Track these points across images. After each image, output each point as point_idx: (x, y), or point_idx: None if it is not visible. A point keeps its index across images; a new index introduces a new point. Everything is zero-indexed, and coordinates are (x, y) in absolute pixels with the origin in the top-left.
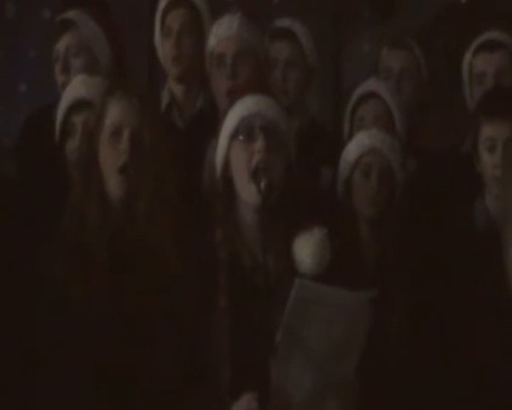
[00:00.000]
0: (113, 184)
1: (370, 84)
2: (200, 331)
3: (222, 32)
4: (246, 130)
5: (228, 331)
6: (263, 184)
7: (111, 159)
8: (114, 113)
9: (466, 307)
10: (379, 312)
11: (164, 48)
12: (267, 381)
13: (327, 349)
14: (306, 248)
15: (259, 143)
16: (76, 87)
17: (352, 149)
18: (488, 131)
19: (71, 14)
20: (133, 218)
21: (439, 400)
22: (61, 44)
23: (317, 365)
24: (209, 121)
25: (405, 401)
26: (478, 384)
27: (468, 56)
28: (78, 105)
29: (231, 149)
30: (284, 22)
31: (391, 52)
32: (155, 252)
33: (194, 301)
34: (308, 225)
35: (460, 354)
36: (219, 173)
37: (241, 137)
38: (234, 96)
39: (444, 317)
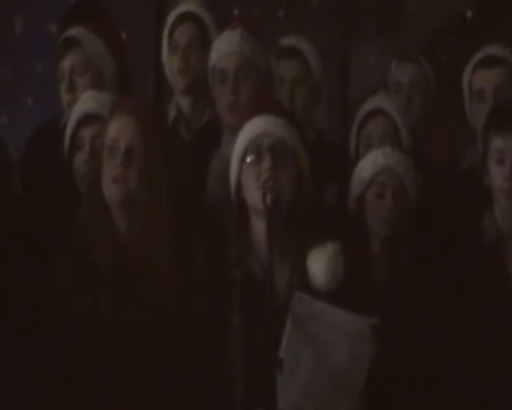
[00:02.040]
0: (109, 193)
1: (377, 101)
2: (211, 347)
3: (223, 48)
4: (254, 151)
5: (241, 348)
6: (269, 199)
7: (108, 170)
8: (113, 129)
9: (477, 322)
10: (389, 333)
11: (171, 61)
12: (274, 399)
13: (328, 372)
14: (319, 263)
15: (266, 163)
16: (85, 102)
17: (366, 168)
18: (497, 144)
19: (74, 31)
20: (131, 226)
21: None
22: (66, 63)
23: (319, 388)
24: (215, 134)
25: None
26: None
27: (467, 72)
28: (86, 119)
29: (242, 170)
30: (290, 40)
31: (400, 66)
32: (153, 261)
33: (207, 318)
34: (322, 239)
35: (472, 374)
36: (233, 195)
37: (248, 160)
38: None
39: (456, 333)
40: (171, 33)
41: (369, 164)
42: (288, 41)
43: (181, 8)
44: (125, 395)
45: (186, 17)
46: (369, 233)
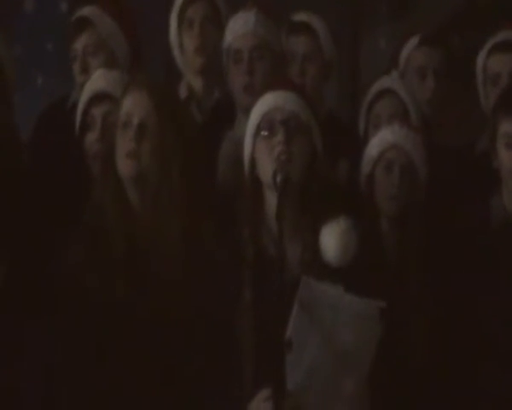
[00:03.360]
0: (123, 168)
1: (386, 81)
2: (225, 325)
3: (238, 28)
4: (267, 125)
5: (252, 326)
6: (279, 178)
7: (121, 146)
8: (126, 105)
9: (484, 305)
10: (397, 313)
11: (185, 40)
12: (283, 378)
13: (335, 354)
14: (331, 238)
15: (279, 136)
16: (96, 80)
17: (375, 145)
18: (506, 127)
19: (86, 11)
20: (143, 202)
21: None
22: (79, 44)
23: (326, 369)
24: (226, 113)
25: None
26: (499, 393)
27: (482, 57)
28: (97, 98)
29: (256, 146)
30: (302, 16)
31: (421, 49)
32: (163, 237)
33: (219, 294)
34: (334, 214)
35: (481, 357)
36: (247, 171)
37: (263, 133)
38: (253, 94)
39: (463, 314)
40: (182, 12)
41: (378, 141)
42: (299, 17)
43: None
44: (138, 373)
45: None
46: (379, 211)
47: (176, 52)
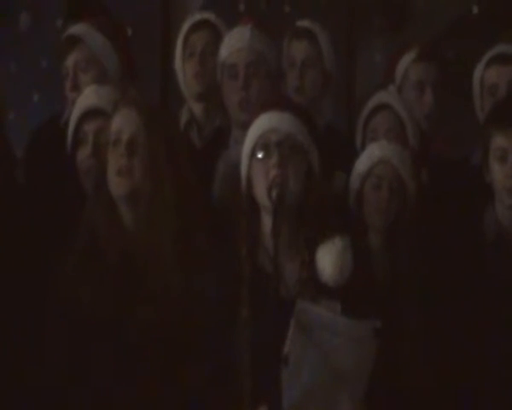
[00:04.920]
0: (114, 187)
1: (383, 96)
2: (218, 342)
3: (234, 43)
4: (262, 147)
5: (249, 342)
6: (274, 194)
7: (112, 163)
8: (116, 122)
9: (477, 320)
10: (390, 327)
11: (186, 66)
12: (279, 395)
13: (330, 374)
14: (327, 258)
15: (274, 159)
16: (87, 96)
17: (363, 161)
18: (499, 141)
19: (76, 28)
20: (136, 219)
21: None
22: (70, 60)
23: (322, 388)
24: (226, 140)
25: None
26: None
27: (479, 68)
28: (89, 114)
29: (251, 167)
30: (305, 23)
31: (419, 65)
32: (157, 255)
33: (215, 312)
34: (330, 233)
35: (473, 373)
36: (243, 191)
37: (258, 155)
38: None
39: (455, 329)
40: (185, 40)
41: (365, 157)
42: (302, 23)
43: (196, 17)
44: (129, 389)
45: (201, 24)
46: (368, 226)
47: (179, 77)
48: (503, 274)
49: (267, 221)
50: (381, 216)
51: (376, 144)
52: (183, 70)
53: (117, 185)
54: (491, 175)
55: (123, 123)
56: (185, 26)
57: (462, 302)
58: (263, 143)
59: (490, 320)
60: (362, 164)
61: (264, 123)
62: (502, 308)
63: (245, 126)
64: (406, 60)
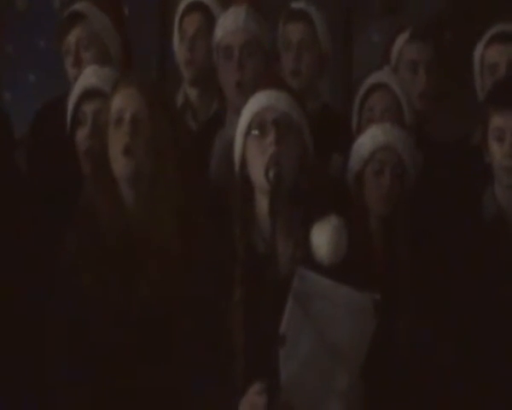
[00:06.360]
0: (119, 167)
1: (380, 76)
2: (216, 321)
3: (229, 24)
4: (258, 125)
5: (242, 322)
6: (271, 174)
7: (116, 143)
8: (117, 101)
9: (476, 300)
10: (386, 309)
11: (179, 51)
12: (277, 372)
13: (329, 348)
14: (322, 236)
15: (271, 137)
16: (87, 77)
17: (366, 144)
18: (497, 121)
19: (80, 6)
20: (137, 199)
21: (448, 401)
22: (72, 37)
23: (320, 363)
24: (222, 125)
25: (412, 402)
26: (489, 385)
27: (480, 48)
28: (88, 94)
29: (246, 145)
30: (300, 5)
31: (414, 44)
32: (157, 234)
33: (210, 291)
34: (326, 212)
35: (471, 351)
36: (237, 171)
37: (254, 133)
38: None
39: (453, 309)
40: (180, 22)
41: (369, 140)
42: (297, 5)
43: None
44: (131, 368)
45: (195, 7)
46: (368, 210)
47: (177, 58)
48: (502, 253)
49: (261, 201)
50: (382, 203)
51: (380, 127)
52: (178, 53)
53: (122, 166)
54: (490, 155)
55: (125, 102)
56: (180, 8)
57: (462, 282)
58: (259, 121)
59: (488, 300)
60: (364, 147)
61: (260, 101)
62: (500, 288)
63: (240, 108)
64: (401, 40)
